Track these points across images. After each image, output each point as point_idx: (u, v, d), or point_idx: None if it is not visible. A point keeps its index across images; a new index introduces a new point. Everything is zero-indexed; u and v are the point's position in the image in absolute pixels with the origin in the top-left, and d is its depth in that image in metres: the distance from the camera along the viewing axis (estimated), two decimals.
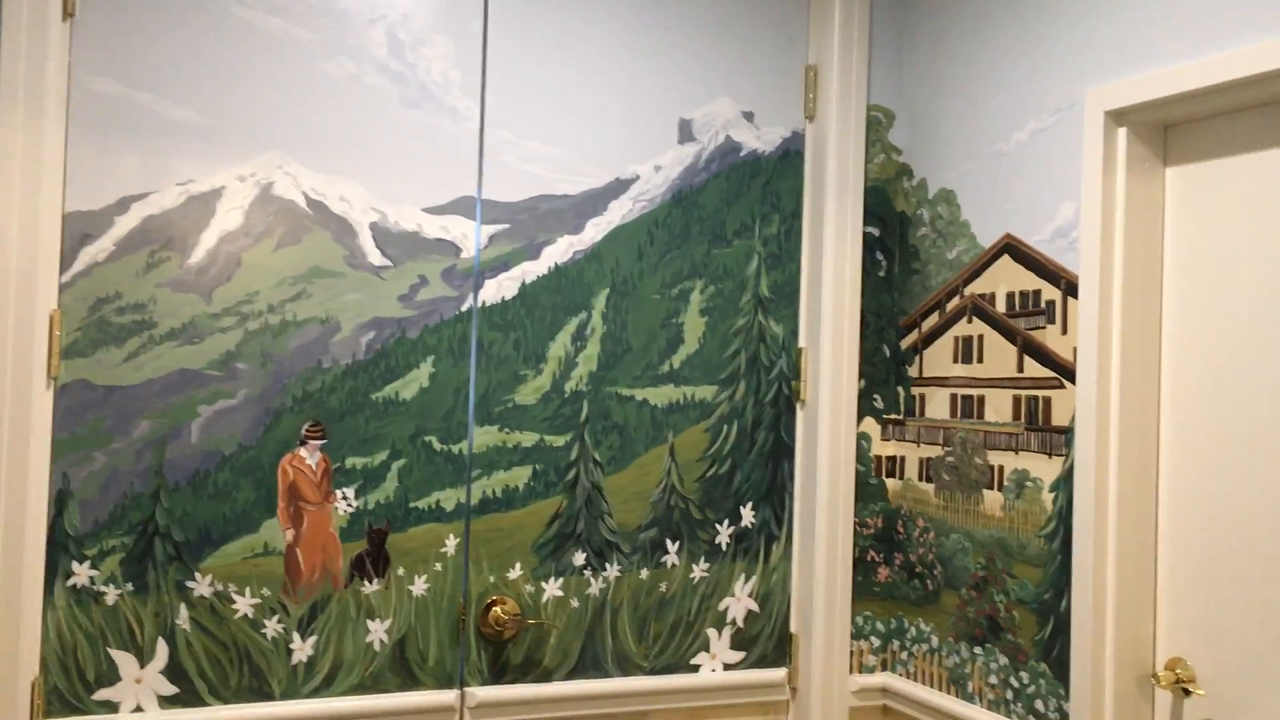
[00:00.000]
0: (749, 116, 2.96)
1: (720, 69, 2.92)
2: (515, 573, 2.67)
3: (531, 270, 2.72)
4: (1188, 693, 2.27)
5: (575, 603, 2.73)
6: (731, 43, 2.93)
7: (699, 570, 2.87)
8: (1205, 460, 2.26)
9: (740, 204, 2.94)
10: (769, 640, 2.94)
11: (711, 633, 2.88)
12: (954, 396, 2.84)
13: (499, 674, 2.65)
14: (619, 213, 2.82)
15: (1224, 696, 2.21)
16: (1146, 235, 2.39)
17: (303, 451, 2.48)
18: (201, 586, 2.39)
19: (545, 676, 2.69)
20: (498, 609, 2.62)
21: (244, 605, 2.42)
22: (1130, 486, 2.36)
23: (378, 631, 2.54)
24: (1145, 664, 2.36)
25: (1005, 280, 2.68)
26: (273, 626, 2.44)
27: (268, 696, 2.43)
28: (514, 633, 2.63)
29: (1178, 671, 2.28)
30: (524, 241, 2.71)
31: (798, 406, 2.98)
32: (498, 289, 2.69)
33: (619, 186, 2.82)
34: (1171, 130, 2.39)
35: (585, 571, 2.74)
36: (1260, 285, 2.16)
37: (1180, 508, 2.32)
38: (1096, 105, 2.40)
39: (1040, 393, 2.56)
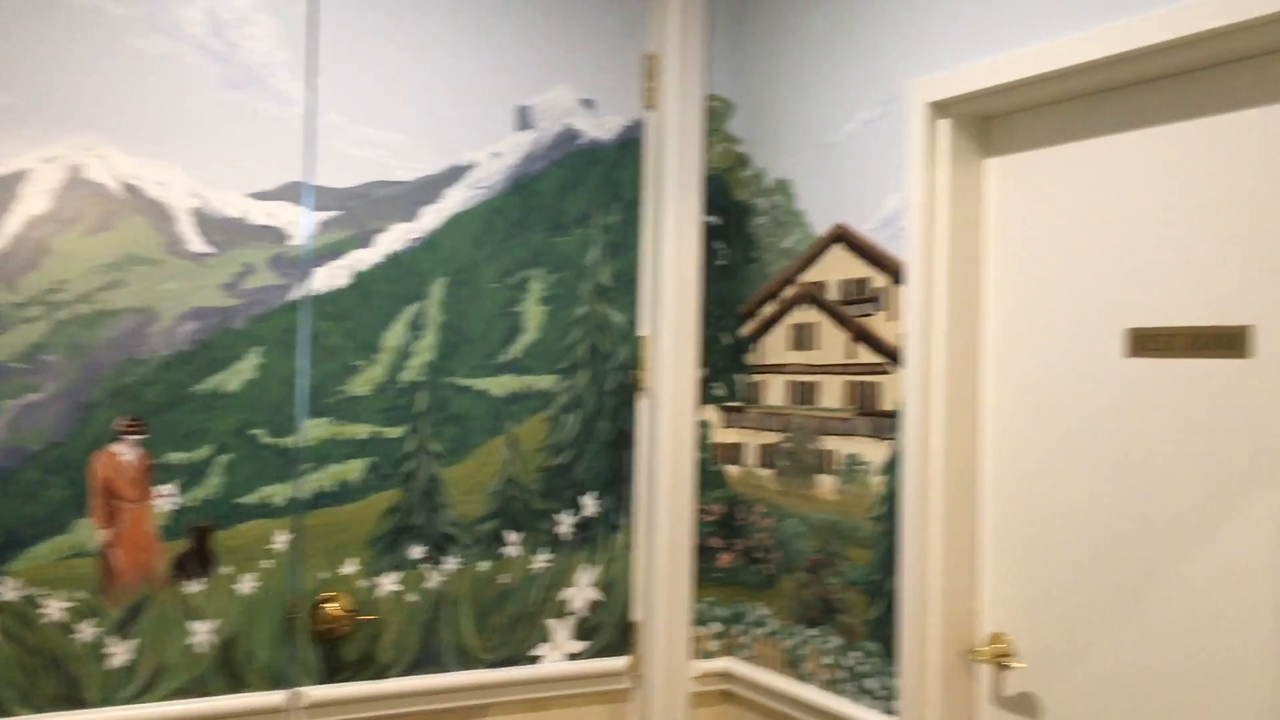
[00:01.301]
0: (589, 104, 2.94)
1: (559, 56, 2.90)
2: (349, 568, 2.61)
3: (365, 258, 2.66)
4: (1008, 666, 2.34)
5: (413, 597, 2.68)
6: (571, 30, 2.91)
7: (540, 561, 2.86)
8: (1026, 442, 2.34)
9: (580, 192, 2.93)
10: (612, 629, 2.94)
11: (553, 623, 2.87)
12: (790, 383, 2.88)
13: (333, 672, 2.58)
14: (456, 200, 2.77)
15: (1042, 668, 2.29)
16: (968, 224, 2.46)
17: (118, 447, 2.37)
18: (7, 591, 2.26)
19: (381, 673, 2.63)
20: (330, 606, 2.56)
21: (55, 609, 2.30)
22: (954, 469, 2.43)
23: (203, 633, 2.45)
24: (969, 640, 2.44)
25: (837, 268, 2.73)
26: (87, 631, 2.33)
27: (82, 704, 2.32)
28: (348, 630, 2.57)
29: (999, 646, 2.36)
30: (357, 229, 2.65)
31: (639, 395, 2.98)
32: (329, 277, 2.62)
33: (456, 173, 2.77)
34: (993, 121, 2.46)
35: (423, 565, 2.70)
36: (1076, 271, 2.24)
37: (1002, 488, 2.40)
38: (919, 97, 2.46)
39: (870, 378, 2.62)
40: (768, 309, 2.98)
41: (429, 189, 2.73)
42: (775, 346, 2.94)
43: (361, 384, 2.64)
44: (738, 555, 3.02)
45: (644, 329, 2.98)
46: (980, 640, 2.43)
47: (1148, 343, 2.08)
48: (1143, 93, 2.11)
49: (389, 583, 2.65)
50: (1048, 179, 2.32)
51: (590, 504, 2.92)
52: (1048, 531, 2.28)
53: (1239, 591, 1.91)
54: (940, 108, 2.44)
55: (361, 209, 2.65)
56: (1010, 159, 2.42)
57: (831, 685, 2.68)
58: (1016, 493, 2.36)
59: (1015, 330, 2.38)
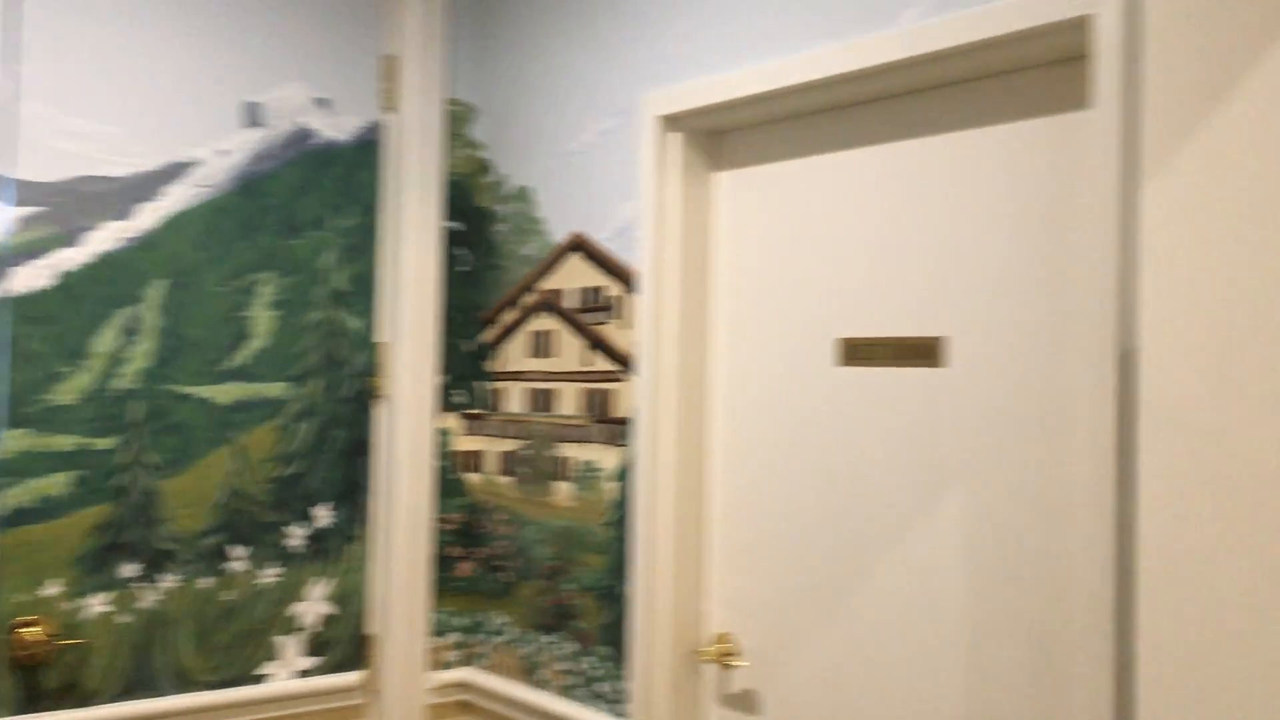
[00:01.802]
0: (324, 104, 2.86)
1: (293, 52, 2.80)
2: (52, 590, 2.43)
3: (72, 258, 2.49)
4: (732, 665, 2.41)
5: (125, 618, 2.53)
6: (305, 26, 2.82)
7: (269, 575, 2.75)
8: (749, 447, 2.42)
9: (315, 194, 2.84)
10: (346, 644, 2.86)
11: (282, 640, 2.76)
12: (529, 390, 2.88)
13: (32, 702, 2.40)
14: (177, 199, 2.63)
15: (762, 665, 2.37)
16: (698, 235, 2.53)
17: None
18: None
19: (86, 700, 2.46)
20: (29, 631, 2.37)
21: None
22: (684, 474, 2.49)
23: None
24: (696, 641, 2.50)
25: (575, 276, 2.75)
26: None
27: None
28: (48, 656, 2.39)
29: (724, 645, 2.43)
30: (63, 226, 2.47)
31: (376, 403, 2.92)
32: (30, 278, 2.43)
33: (177, 170, 2.63)
34: (722, 136, 2.54)
35: (137, 584, 2.54)
36: (794, 282, 2.33)
37: (729, 492, 2.47)
38: (651, 110, 2.51)
39: (605, 385, 2.65)
40: (508, 316, 2.97)
41: (146, 186, 2.59)
42: (515, 354, 2.94)
43: (67, 392, 2.47)
44: (477, 564, 3.00)
45: (382, 335, 2.92)
46: (707, 641, 2.50)
47: (856, 352, 2.19)
48: (855, 114, 2.22)
49: (98, 604, 2.49)
50: (772, 193, 2.41)
51: (324, 515, 2.83)
52: (768, 533, 2.37)
53: (933, 586, 2.03)
54: (671, 121, 2.50)
55: (69, 205, 2.48)
56: (738, 173, 2.50)
57: (566, 691, 2.69)
58: (741, 496, 2.44)
59: (741, 339, 2.46)
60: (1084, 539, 1.65)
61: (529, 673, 2.82)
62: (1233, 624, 1.35)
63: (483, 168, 3.07)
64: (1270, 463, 1.31)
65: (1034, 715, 1.86)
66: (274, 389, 2.76)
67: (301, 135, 2.83)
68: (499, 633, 2.92)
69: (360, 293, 2.91)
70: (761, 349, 2.40)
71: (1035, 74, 1.85)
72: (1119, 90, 1.54)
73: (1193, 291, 1.39)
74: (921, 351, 2.07)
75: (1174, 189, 1.42)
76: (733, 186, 2.51)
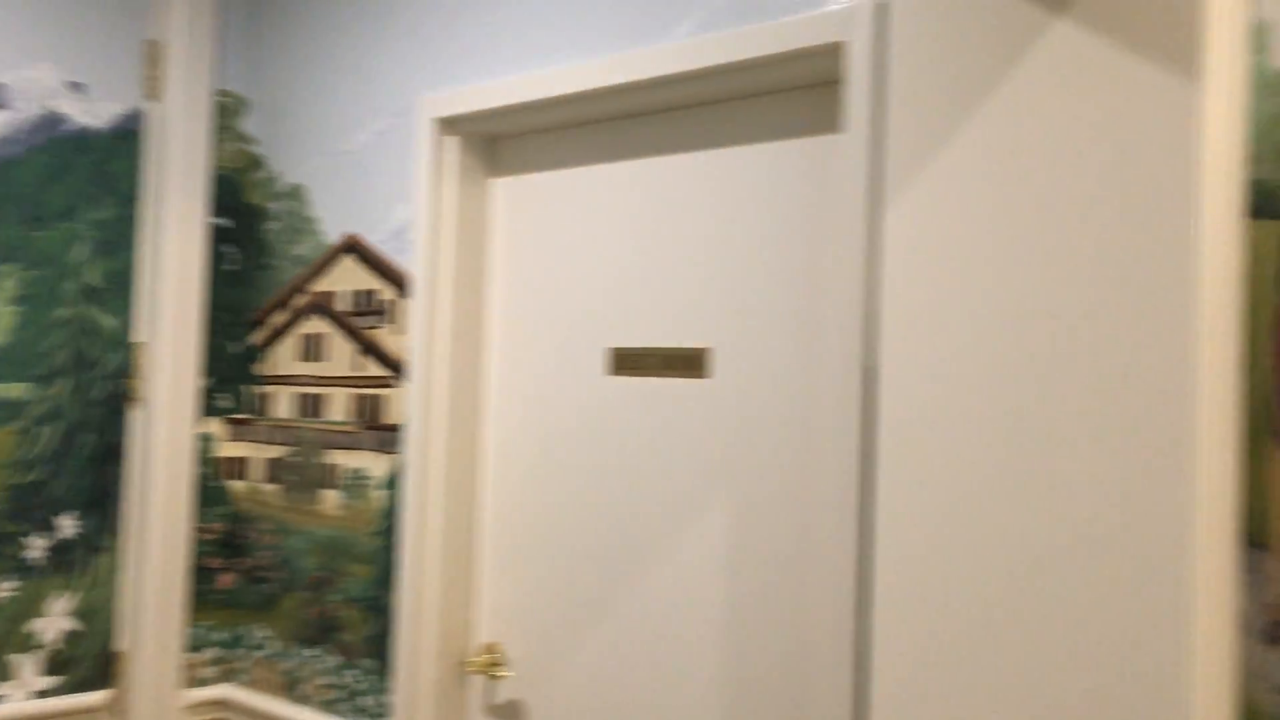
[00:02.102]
0: (78, 88, 2.69)
1: (44, 31, 2.62)
2: None
3: None
4: (498, 675, 2.39)
5: None
6: (59, 3, 2.65)
7: (3, 590, 2.55)
8: (521, 456, 2.41)
9: (66, 183, 2.66)
10: (91, 662, 2.69)
11: (19, 659, 2.57)
12: (299, 395, 2.79)
13: None
14: None
15: (529, 675, 2.36)
16: (474, 241, 2.50)
17: None
18: None
19: None
20: None
21: None
22: (455, 482, 2.45)
23: None
24: (463, 651, 2.46)
25: (348, 279, 2.68)
26: None
27: None
28: None
29: (491, 656, 2.40)
30: None
31: (131, 406, 2.76)
32: None
33: None
34: (500, 142, 2.52)
35: None
36: (568, 291, 2.34)
37: (500, 501, 2.45)
38: (428, 112, 2.47)
39: (376, 391, 2.59)
40: (278, 318, 2.87)
41: None
42: (285, 357, 2.84)
43: None
44: (239, 575, 2.87)
45: (140, 335, 2.76)
46: (475, 651, 2.47)
47: (626, 362, 2.21)
48: (628, 127, 2.24)
49: None
50: (548, 202, 2.41)
51: (68, 525, 2.66)
52: (538, 542, 2.36)
53: (694, 592, 2.07)
54: (448, 124, 2.47)
55: None
56: (516, 180, 2.49)
57: (328, 706, 2.61)
58: (512, 505, 2.43)
59: (515, 346, 2.45)
60: (829, 544, 1.72)
61: (290, 688, 2.72)
62: (962, 617, 1.42)
63: (254, 163, 2.95)
64: (997, 474, 1.39)
65: (784, 714, 1.92)
66: (14, 390, 2.57)
67: (51, 120, 2.65)
68: (260, 647, 2.81)
69: (116, 290, 2.74)
70: (534, 357, 2.40)
71: (795, 96, 1.92)
72: (868, 115, 1.61)
73: (930, 311, 1.46)
74: (688, 362, 2.11)
75: (915, 212, 1.49)
76: (510, 193, 2.50)
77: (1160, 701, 1.25)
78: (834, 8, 1.69)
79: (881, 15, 1.59)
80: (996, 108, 1.42)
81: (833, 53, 1.71)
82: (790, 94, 1.91)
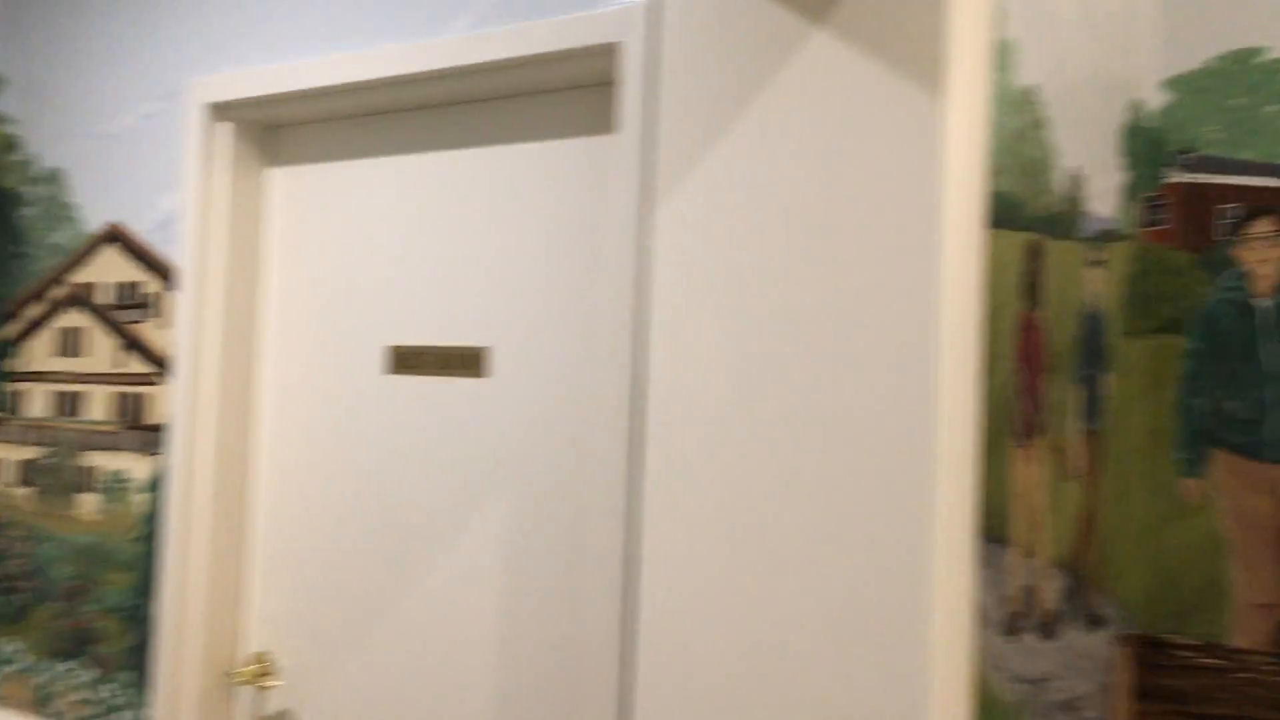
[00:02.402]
0: None
1: None
2: None
3: None
4: (267, 685, 2.30)
5: None
6: None
7: None
8: (297, 457, 2.32)
9: None
10: None
11: None
12: (55, 393, 2.61)
13: None
14: None
15: (300, 683, 2.28)
16: (248, 233, 2.40)
17: None
18: None
19: None
20: None
21: None
22: (224, 485, 2.35)
23: None
24: (230, 661, 2.36)
25: (110, 270, 2.53)
26: None
27: None
28: None
29: (260, 665, 2.31)
30: None
31: None
32: None
33: None
34: (278, 130, 2.42)
35: None
36: (347, 287, 2.27)
37: (274, 504, 2.36)
38: (199, 97, 2.36)
39: (139, 389, 2.45)
40: (33, 310, 2.68)
41: None
42: (40, 352, 2.66)
43: None
44: None
45: None
46: (243, 661, 2.37)
47: (405, 360, 2.16)
48: (409, 120, 2.20)
49: None
50: (328, 194, 2.33)
51: None
52: (313, 546, 2.28)
53: (469, 594, 2.04)
54: (221, 110, 2.36)
55: None
56: (294, 170, 2.40)
57: None
58: (285, 508, 2.34)
59: (292, 344, 2.36)
60: (600, 543, 1.72)
61: (43, 704, 2.54)
62: (719, 609, 1.44)
63: (9, 144, 2.75)
64: (751, 472, 1.42)
65: (555, 713, 1.91)
66: None
67: None
68: (9, 661, 2.62)
69: None
70: (310, 354, 2.32)
71: (572, 95, 1.92)
72: (640, 116, 1.62)
73: (695, 311, 1.48)
74: (467, 362, 2.07)
75: (683, 214, 1.51)
76: (288, 184, 2.41)
77: (900, 691, 1.30)
78: (609, 9, 1.69)
79: (655, 18, 1.60)
80: (760, 112, 1.45)
81: (608, 53, 1.71)
82: (568, 93, 1.91)
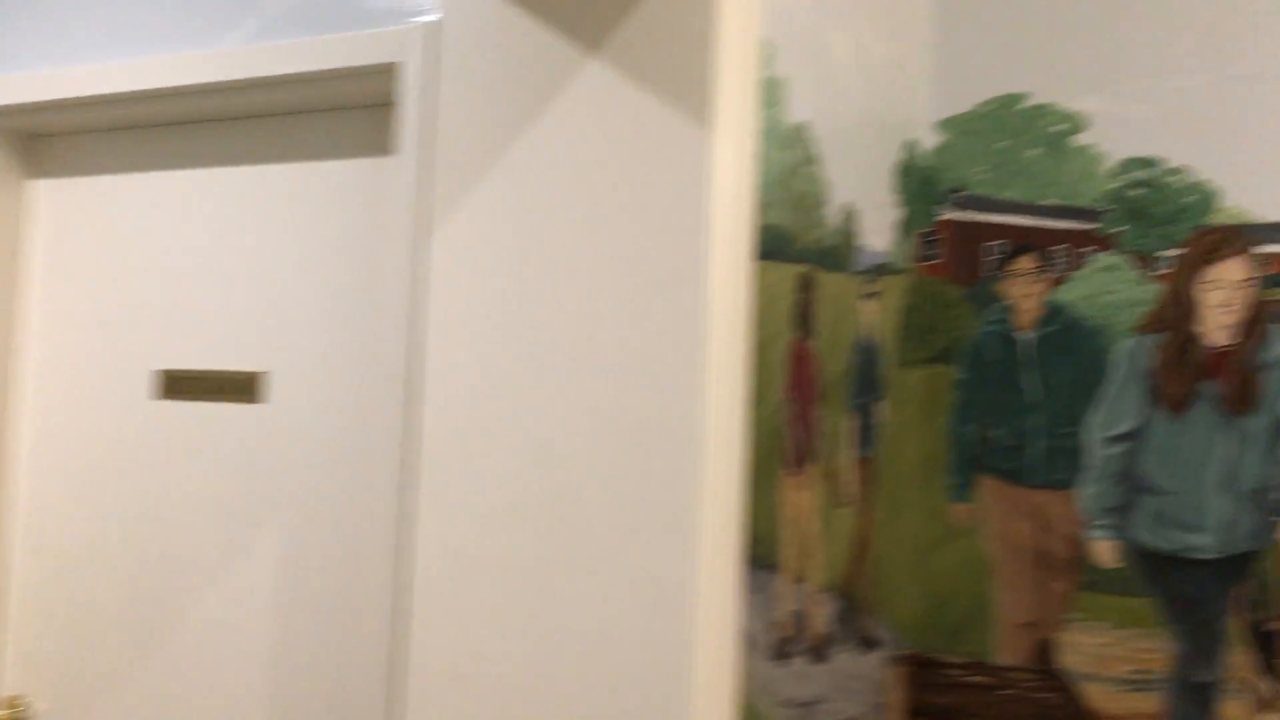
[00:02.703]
0: None
1: None
2: None
3: None
4: None
5: None
6: None
7: None
8: (61, 488, 2.18)
9: None
10: None
11: None
12: None
13: None
14: None
15: None
16: (7, 248, 2.24)
17: None
18: None
19: None
20: None
21: None
22: None
23: None
24: None
25: None
26: None
27: None
28: None
29: (14, 710, 2.15)
30: None
31: None
32: None
33: None
34: (41, 141, 2.28)
35: None
36: (116, 308, 2.15)
37: (32, 538, 2.20)
38: None
39: None
40: None
41: None
42: None
43: None
44: None
45: None
46: None
47: (176, 385, 2.06)
48: (181, 134, 2.10)
49: None
50: (97, 209, 2.20)
51: None
52: (76, 580, 2.14)
53: (244, 628, 1.95)
54: None
55: None
56: (62, 183, 2.26)
57: None
58: (46, 542, 2.18)
59: (55, 367, 2.21)
60: (374, 575, 1.67)
61: None
62: (490, 641, 1.41)
63: None
64: (521, 496, 1.40)
65: None
66: None
67: None
68: None
69: None
70: (75, 378, 2.18)
71: (352, 115, 1.87)
72: (418, 139, 1.59)
73: (468, 339, 1.46)
74: (241, 386, 1.99)
75: (459, 238, 1.48)
76: (53, 197, 2.26)
77: (664, 718, 1.30)
78: (389, 28, 1.66)
79: (434, 40, 1.58)
80: (536, 138, 1.44)
81: (387, 73, 1.67)
82: (347, 112, 1.86)
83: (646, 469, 1.34)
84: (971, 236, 2.17)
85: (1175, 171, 1.93)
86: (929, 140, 2.15)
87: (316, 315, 1.95)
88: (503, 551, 1.42)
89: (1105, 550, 1.83)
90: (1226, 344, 1.75)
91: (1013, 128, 2.13)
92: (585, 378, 1.38)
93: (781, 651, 1.56)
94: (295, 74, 1.77)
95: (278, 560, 1.95)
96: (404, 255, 1.61)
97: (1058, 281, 2.01)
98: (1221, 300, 1.76)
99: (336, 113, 1.92)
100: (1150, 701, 1.82)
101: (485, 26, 1.50)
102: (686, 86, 1.33)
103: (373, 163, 1.86)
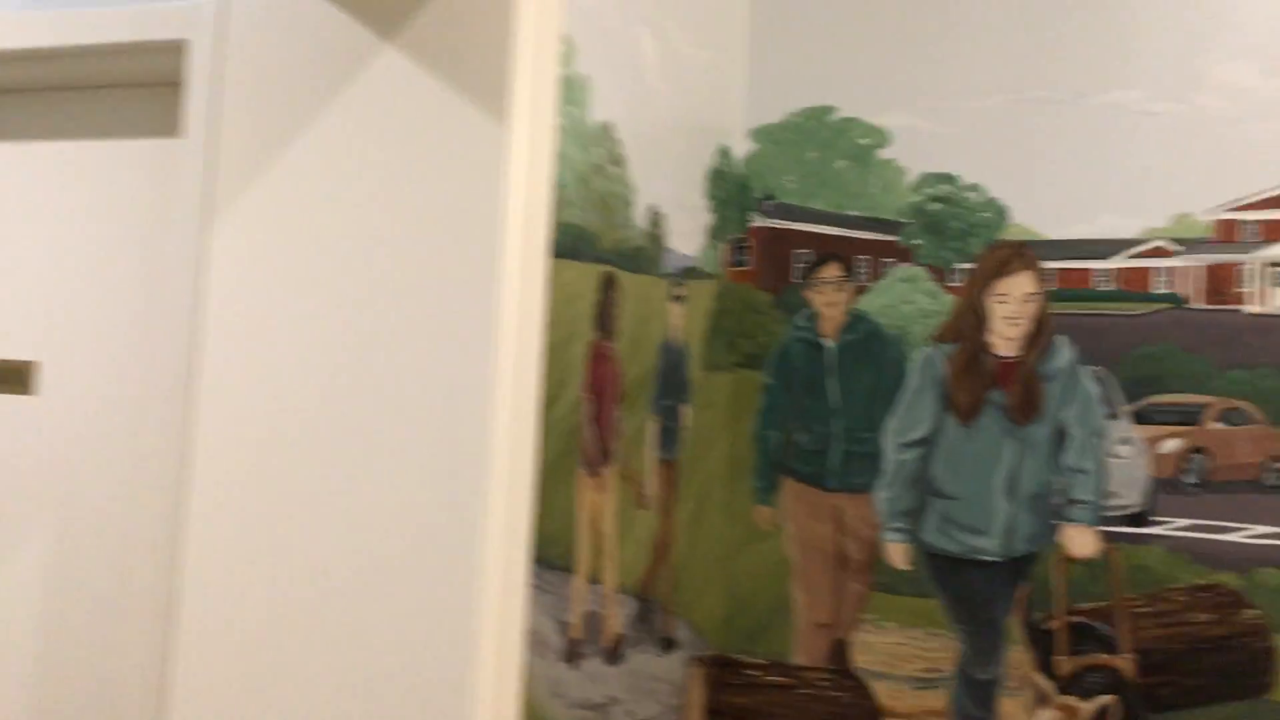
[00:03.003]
0: None
1: None
2: None
3: None
4: None
5: None
6: None
7: None
8: None
9: None
10: None
11: None
12: None
13: None
14: None
15: None
16: None
17: None
18: None
19: None
20: None
21: None
22: None
23: None
24: None
25: None
26: None
27: None
28: None
29: None
30: None
31: None
32: None
33: None
34: None
35: None
36: None
37: None
38: None
39: None
40: None
41: None
42: None
43: None
44: None
45: None
46: None
47: None
48: None
49: None
50: None
51: None
52: None
53: (7, 630, 1.83)
54: None
55: None
56: None
57: None
58: None
59: None
60: (147, 568, 1.59)
61: None
62: (261, 631, 1.35)
63: None
64: (301, 492, 1.35)
65: None
66: None
67: None
68: None
69: None
70: None
71: (138, 93, 1.77)
72: (205, 121, 1.51)
73: (251, 329, 1.40)
74: (10, 376, 1.87)
75: (245, 224, 1.42)
76: None
77: (447, 716, 1.27)
78: (177, 4, 1.58)
79: (223, 19, 1.51)
80: (327, 125, 1.39)
81: (174, 51, 1.59)
82: (130, 90, 1.76)
83: (433, 467, 1.31)
84: (781, 244, 2.20)
85: (972, 188, 2.01)
86: (741, 148, 2.18)
87: (93, 302, 1.85)
88: (282, 553, 1.37)
89: (898, 552, 1.88)
90: (1014, 355, 1.82)
91: (822, 139, 2.17)
92: (370, 372, 1.34)
93: (574, 653, 1.55)
94: (75, 46, 1.67)
95: (46, 554, 1.84)
96: (188, 242, 1.54)
97: (861, 291, 2.06)
98: (1009, 313, 1.83)
99: (120, 90, 1.82)
100: (936, 699, 1.88)
101: (277, 7, 1.45)
102: (484, 79, 1.31)
103: (158, 144, 1.77)
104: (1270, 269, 1.91)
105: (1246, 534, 1.83)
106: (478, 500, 1.29)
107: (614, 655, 1.67)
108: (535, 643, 1.42)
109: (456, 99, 1.33)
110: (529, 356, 1.37)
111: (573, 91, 1.48)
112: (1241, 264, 1.90)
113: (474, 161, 1.32)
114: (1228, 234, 1.89)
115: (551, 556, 1.48)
